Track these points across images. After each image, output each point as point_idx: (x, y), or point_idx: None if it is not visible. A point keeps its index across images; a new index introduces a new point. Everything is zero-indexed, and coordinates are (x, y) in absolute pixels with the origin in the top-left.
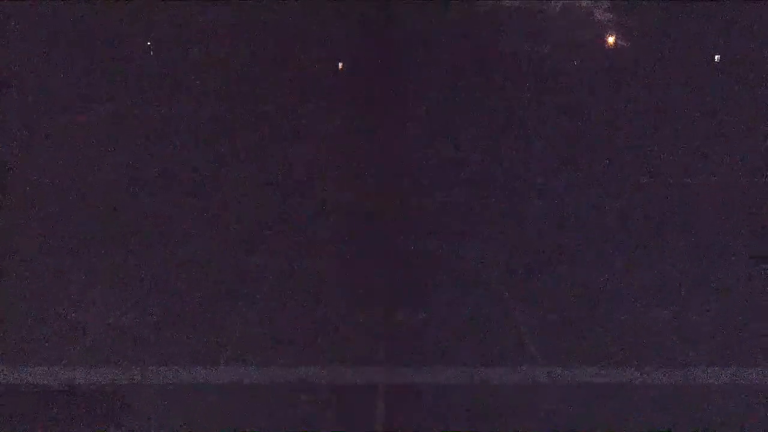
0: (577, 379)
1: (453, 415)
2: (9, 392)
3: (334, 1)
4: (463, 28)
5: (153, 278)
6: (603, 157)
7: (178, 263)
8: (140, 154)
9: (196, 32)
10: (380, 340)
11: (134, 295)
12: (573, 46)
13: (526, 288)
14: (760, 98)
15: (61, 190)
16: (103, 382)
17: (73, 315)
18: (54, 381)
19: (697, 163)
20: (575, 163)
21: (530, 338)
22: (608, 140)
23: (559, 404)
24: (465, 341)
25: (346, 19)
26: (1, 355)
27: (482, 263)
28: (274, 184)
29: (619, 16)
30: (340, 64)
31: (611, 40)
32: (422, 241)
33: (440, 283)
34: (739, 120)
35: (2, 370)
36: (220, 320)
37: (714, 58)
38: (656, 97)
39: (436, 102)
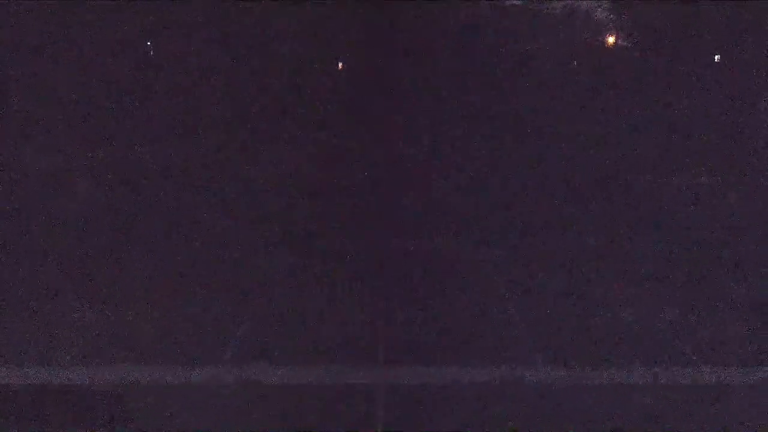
0: (578, 379)
1: (453, 415)
2: (8, 392)
3: (335, 1)
4: (463, 28)
5: (153, 279)
6: (603, 157)
7: (179, 264)
8: (138, 153)
9: (195, 32)
10: (380, 340)
11: (134, 296)
12: (573, 46)
13: (525, 288)
14: (761, 99)
15: (60, 189)
16: (102, 382)
17: (72, 315)
18: (54, 381)
19: (697, 164)
20: (576, 162)
21: (530, 338)
22: (608, 140)
23: (559, 404)
24: (465, 341)
25: (346, 18)
26: (1, 355)
27: (482, 263)
28: (273, 185)
29: (619, 16)
30: (340, 64)
31: (611, 40)
32: (422, 241)
33: (440, 283)
34: (739, 120)
35: (2, 370)
36: (220, 320)
37: (714, 58)
38: (656, 97)
39: (436, 102)
